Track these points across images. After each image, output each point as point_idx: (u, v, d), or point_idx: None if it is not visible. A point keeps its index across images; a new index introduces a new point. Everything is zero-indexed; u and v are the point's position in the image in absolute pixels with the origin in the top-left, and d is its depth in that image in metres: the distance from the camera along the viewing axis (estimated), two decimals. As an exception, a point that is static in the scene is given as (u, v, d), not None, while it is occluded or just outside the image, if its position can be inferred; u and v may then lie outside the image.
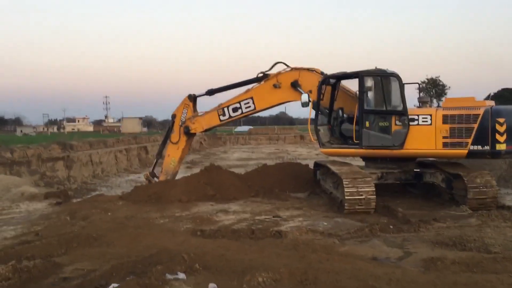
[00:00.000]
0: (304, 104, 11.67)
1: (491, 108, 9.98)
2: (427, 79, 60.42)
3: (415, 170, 11.40)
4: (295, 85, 12.30)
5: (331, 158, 13.12)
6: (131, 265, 6.17)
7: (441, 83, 61.86)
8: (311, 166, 14.65)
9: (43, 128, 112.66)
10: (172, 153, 13.69)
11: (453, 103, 10.53)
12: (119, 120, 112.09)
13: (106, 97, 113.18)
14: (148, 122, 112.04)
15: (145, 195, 11.93)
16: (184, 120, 13.54)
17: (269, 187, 12.97)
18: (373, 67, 11.05)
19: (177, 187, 12.16)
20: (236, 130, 74.49)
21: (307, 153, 31.42)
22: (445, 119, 10.27)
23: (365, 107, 10.87)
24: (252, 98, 12.85)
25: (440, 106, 10.81)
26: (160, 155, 14.18)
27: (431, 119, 10.40)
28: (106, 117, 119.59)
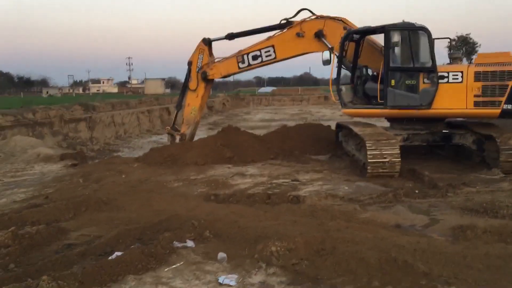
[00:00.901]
0: (326, 62, 11.05)
1: None
2: (457, 36, 58.25)
3: (443, 131, 10.74)
4: (319, 35, 11.60)
5: (354, 119, 12.54)
6: (139, 231, 5.87)
7: (471, 41, 59.69)
8: (333, 127, 14.12)
9: (69, 90, 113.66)
10: (192, 101, 13.24)
11: (486, 58, 9.76)
12: (142, 82, 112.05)
13: (129, 58, 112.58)
14: (171, 83, 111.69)
15: (161, 157, 11.60)
16: (200, 65, 13.02)
17: (289, 149, 12.51)
18: (400, 21, 10.28)
19: (194, 149, 11.79)
20: (259, 91, 73.95)
21: (331, 114, 30.97)
22: (477, 76, 9.55)
23: (391, 64, 10.17)
24: (273, 46, 12.20)
25: (472, 63, 10.04)
26: (180, 106, 13.69)
27: (462, 77, 9.69)
28: (129, 78, 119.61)
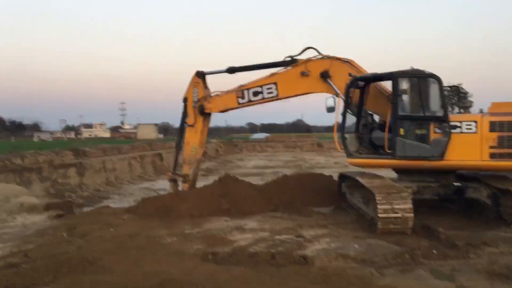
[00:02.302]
0: (330, 109, 10.50)
1: None
2: (449, 86, 58.74)
3: (455, 184, 10.10)
4: (325, 75, 11.09)
5: (358, 169, 11.89)
6: (126, 300, 5.05)
7: (463, 91, 60.21)
8: (334, 177, 13.46)
9: (60, 134, 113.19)
10: (191, 138, 12.59)
11: (500, 108, 9.25)
12: (135, 127, 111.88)
13: (122, 103, 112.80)
14: (164, 129, 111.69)
15: (153, 209, 10.80)
16: (196, 99, 12.45)
17: (290, 201, 11.75)
18: (408, 67, 9.84)
19: (188, 200, 11.02)
20: (252, 137, 73.75)
21: (325, 162, 30.54)
22: (493, 126, 9.01)
23: (400, 112, 9.64)
24: (276, 83, 11.65)
25: (485, 112, 9.52)
26: (179, 146, 13.01)
27: (476, 127, 9.14)
28: (122, 123, 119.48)
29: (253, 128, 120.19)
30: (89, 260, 6.75)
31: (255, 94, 11.84)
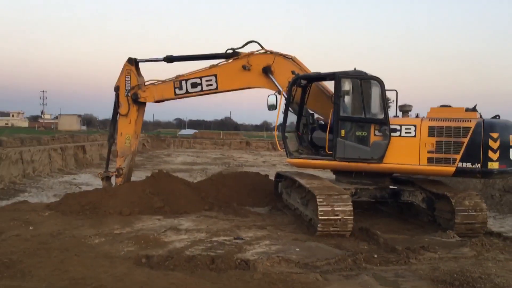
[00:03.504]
0: (271, 107, 10.18)
1: (483, 121, 8.85)
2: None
3: (391, 187, 10.13)
4: (267, 71, 10.74)
5: (295, 169, 11.70)
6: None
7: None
8: (269, 176, 13.26)
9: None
10: (125, 128, 11.86)
11: (439, 113, 9.34)
12: (56, 117, 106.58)
13: (43, 91, 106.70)
14: (87, 121, 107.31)
15: (78, 205, 9.97)
16: (129, 88, 11.76)
17: (225, 200, 11.39)
18: (352, 69, 9.73)
19: (118, 196, 10.28)
20: (180, 133, 72.50)
21: (254, 160, 30.61)
22: (432, 131, 9.06)
23: (341, 113, 9.50)
24: (215, 75, 11.18)
25: (424, 116, 9.60)
26: (112, 138, 12.26)
27: (415, 131, 9.17)
28: (42, 113, 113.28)
29: (180, 123, 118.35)
30: (5, 262, 6.05)
31: (194, 85, 11.33)
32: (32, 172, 19.24)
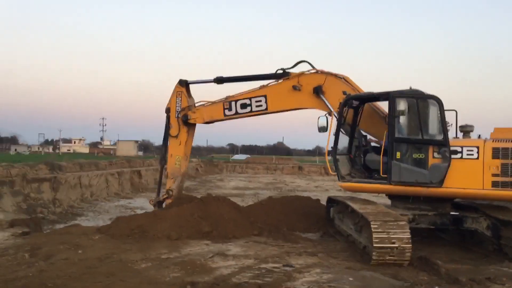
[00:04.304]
0: (321, 129, 9.88)
1: None
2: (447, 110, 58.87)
3: (452, 213, 9.47)
4: (318, 91, 10.54)
5: (348, 193, 11.25)
6: None
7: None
8: (321, 201, 12.82)
9: (38, 148, 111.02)
10: (175, 150, 11.97)
11: (504, 134, 8.72)
12: (115, 143, 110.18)
13: (103, 118, 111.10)
14: (144, 146, 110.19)
15: (128, 229, 9.93)
16: (180, 109, 11.84)
17: (275, 224, 11.07)
18: (407, 87, 9.28)
19: (166, 220, 10.16)
20: (233, 158, 73.02)
21: (306, 185, 30.23)
22: (496, 152, 8.46)
23: (396, 135, 9.05)
24: (265, 96, 11.09)
25: (487, 137, 8.98)
26: (164, 160, 12.38)
27: (478, 152, 8.58)
28: (102, 139, 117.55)
29: (233, 148, 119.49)
30: (50, 286, 5.94)
31: (243, 106, 11.26)
32: (89, 196, 19.70)
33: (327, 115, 9.93)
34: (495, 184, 8.47)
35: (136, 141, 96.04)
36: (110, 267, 7.28)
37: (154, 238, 9.58)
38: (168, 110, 11.99)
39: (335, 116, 9.85)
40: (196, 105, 11.98)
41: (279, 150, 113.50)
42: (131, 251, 8.58)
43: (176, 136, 11.89)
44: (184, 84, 11.95)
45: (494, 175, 8.48)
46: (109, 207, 17.13)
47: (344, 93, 9.94)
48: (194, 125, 12.12)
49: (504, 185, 8.41)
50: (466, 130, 9.31)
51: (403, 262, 7.96)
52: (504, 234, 8.73)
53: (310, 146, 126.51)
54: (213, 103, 11.70)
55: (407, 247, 7.87)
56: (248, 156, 75.12)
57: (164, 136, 12.26)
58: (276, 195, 18.85)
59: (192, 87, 12.26)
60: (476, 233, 9.54)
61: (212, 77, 11.89)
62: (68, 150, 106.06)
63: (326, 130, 9.81)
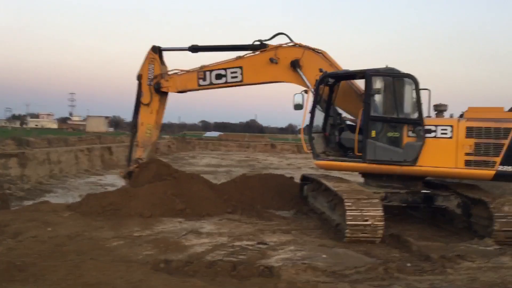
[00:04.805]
0: (297, 107, 9.79)
1: None
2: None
3: (423, 191, 9.59)
4: (295, 65, 10.37)
5: (321, 171, 11.27)
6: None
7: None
8: (294, 178, 12.85)
9: (5, 123, 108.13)
10: (146, 118, 11.71)
11: (477, 113, 8.80)
12: (85, 119, 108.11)
13: (71, 93, 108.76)
14: (115, 122, 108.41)
15: (99, 206, 9.73)
16: (152, 77, 11.54)
17: (249, 202, 11.03)
18: (383, 66, 9.25)
19: (139, 198, 9.99)
20: (205, 135, 72.59)
21: (278, 163, 30.32)
22: (470, 132, 8.54)
23: (372, 113, 9.04)
24: (241, 67, 10.87)
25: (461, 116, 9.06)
26: (134, 128, 12.05)
27: (452, 132, 8.66)
28: (71, 114, 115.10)
29: (206, 126, 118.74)
30: (19, 265, 5.78)
31: (218, 77, 11.05)
32: (58, 173, 19.32)
33: (303, 92, 9.84)
34: (468, 163, 8.57)
35: (107, 117, 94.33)
36: (81, 245, 7.12)
37: (126, 216, 9.43)
38: (139, 77, 11.66)
39: (312, 93, 9.76)
40: (169, 73, 11.68)
41: (252, 127, 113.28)
42: (102, 229, 8.42)
43: (148, 104, 11.61)
44: (157, 51, 11.61)
45: (467, 154, 8.57)
46: (78, 183, 16.83)
47: (321, 70, 9.85)
48: (166, 93, 11.83)
49: (477, 164, 8.52)
50: (440, 110, 9.36)
51: (376, 239, 8.04)
52: (474, 212, 8.88)
53: (283, 124, 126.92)
54: (187, 72, 11.43)
55: (380, 224, 7.94)
56: (221, 133, 74.75)
57: (135, 104, 11.93)
58: (249, 172, 18.84)
59: (165, 54, 11.92)
60: (447, 211, 9.68)
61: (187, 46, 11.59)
62: (36, 125, 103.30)
63: (302, 108, 9.73)
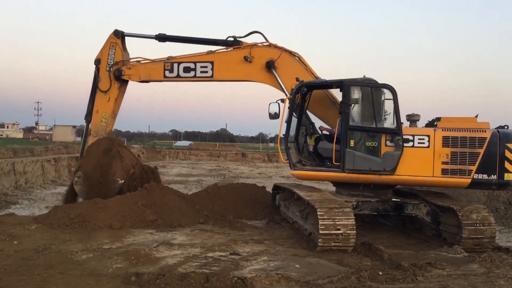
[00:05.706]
0: (274, 116, 9.64)
1: (498, 131, 8.54)
2: None
3: (394, 200, 9.70)
4: (270, 65, 10.30)
5: (292, 180, 11.28)
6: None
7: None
8: (265, 187, 12.86)
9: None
10: (102, 106, 11.22)
11: (451, 123, 8.99)
12: (51, 128, 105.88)
13: (38, 102, 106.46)
14: (83, 132, 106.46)
15: (67, 218, 9.48)
16: (112, 62, 11.09)
17: (221, 212, 11.00)
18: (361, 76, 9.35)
19: (108, 209, 9.78)
20: (176, 144, 72.13)
21: (249, 172, 30.36)
22: (446, 141, 8.74)
23: (350, 123, 9.10)
24: (212, 62, 10.66)
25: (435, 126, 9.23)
26: (90, 116, 11.49)
27: (429, 141, 8.82)
28: (37, 123, 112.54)
29: (176, 135, 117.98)
30: (-17, 281, 5.55)
31: (187, 70, 10.76)
32: (24, 184, 18.86)
33: (279, 101, 9.77)
34: (444, 172, 8.74)
35: (74, 126, 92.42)
36: (49, 259, 6.92)
37: (95, 228, 9.23)
38: (98, 62, 11.20)
39: (285, 94, 9.73)
40: (132, 60, 11.27)
41: (223, 136, 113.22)
42: (70, 241, 8.21)
43: (106, 92, 11.16)
44: (119, 36, 11.17)
45: (444, 163, 8.74)
46: (45, 194, 16.46)
47: (297, 79, 9.83)
48: (126, 82, 11.44)
49: (453, 172, 8.69)
50: (413, 119, 9.49)
51: (348, 248, 8.09)
52: (443, 219, 9.04)
53: (253, 133, 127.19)
54: (153, 61, 11.06)
55: (352, 233, 7.99)
56: (191, 142, 74.45)
57: (91, 90, 11.43)
58: (220, 182, 18.75)
59: (127, 40, 11.49)
60: (416, 219, 9.83)
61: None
62: (0, 135, 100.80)
63: (278, 117, 9.67)
